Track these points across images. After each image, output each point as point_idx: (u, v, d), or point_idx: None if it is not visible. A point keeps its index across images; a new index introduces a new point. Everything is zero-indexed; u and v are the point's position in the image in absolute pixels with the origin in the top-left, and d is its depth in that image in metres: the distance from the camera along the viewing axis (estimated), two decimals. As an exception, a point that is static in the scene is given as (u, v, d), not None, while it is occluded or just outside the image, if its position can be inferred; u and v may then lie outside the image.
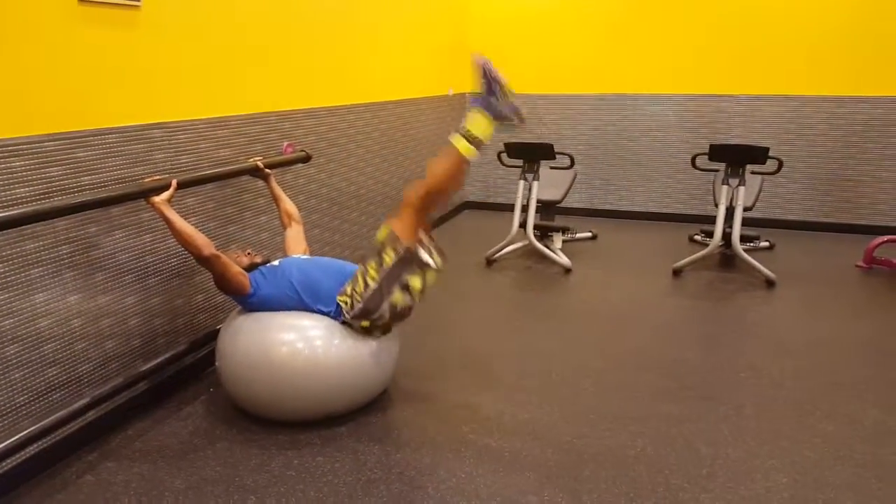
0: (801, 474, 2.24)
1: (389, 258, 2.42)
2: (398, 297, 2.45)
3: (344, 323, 2.51)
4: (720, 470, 2.27)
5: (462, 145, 2.40)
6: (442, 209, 2.50)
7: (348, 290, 2.51)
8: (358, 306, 2.47)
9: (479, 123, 2.41)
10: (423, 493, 2.14)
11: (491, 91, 2.39)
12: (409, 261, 2.43)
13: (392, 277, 2.43)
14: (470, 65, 2.48)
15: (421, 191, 2.44)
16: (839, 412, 2.65)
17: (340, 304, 2.50)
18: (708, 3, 5.46)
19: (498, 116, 2.41)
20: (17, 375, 2.11)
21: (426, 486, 2.18)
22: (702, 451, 2.37)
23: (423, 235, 2.47)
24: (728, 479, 2.21)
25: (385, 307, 2.46)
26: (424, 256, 2.44)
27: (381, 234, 2.48)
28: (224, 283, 2.51)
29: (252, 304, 2.56)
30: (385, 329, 2.58)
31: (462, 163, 2.42)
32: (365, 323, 2.49)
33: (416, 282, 2.46)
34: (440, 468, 2.27)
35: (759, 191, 4.69)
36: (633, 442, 2.43)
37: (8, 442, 2.05)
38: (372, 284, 2.44)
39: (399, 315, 2.52)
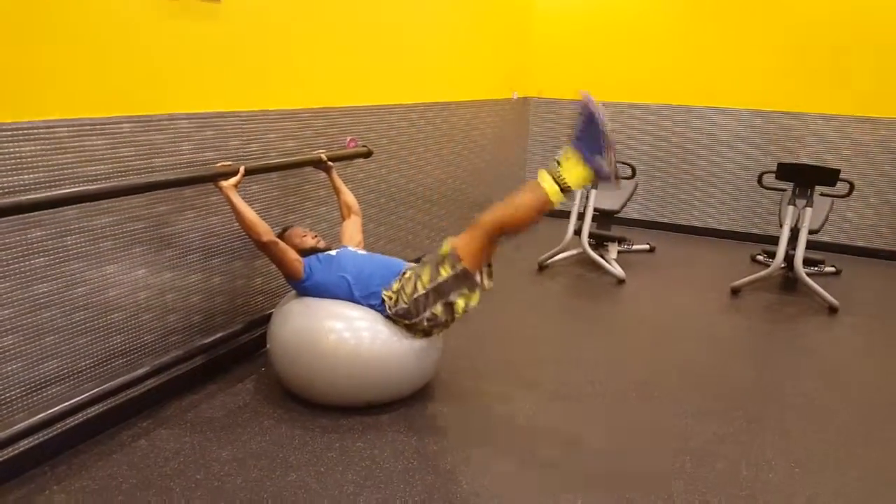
0: (844, 502, 2.18)
1: (445, 272, 2.45)
2: (439, 310, 2.50)
3: (388, 317, 2.58)
4: (760, 493, 2.22)
5: (551, 188, 2.31)
6: (510, 240, 2.46)
7: (395, 287, 2.57)
8: (401, 306, 2.52)
9: (575, 172, 2.27)
10: (457, 487, 2.17)
11: (593, 139, 2.23)
12: (462, 281, 2.45)
13: (440, 291, 2.47)
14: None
15: (496, 220, 2.39)
16: (891, 445, 2.55)
17: (385, 298, 2.57)
18: (782, 18, 5.30)
19: (599, 174, 2.26)
20: (82, 341, 2.26)
21: (461, 480, 2.21)
22: (743, 473, 2.33)
23: (484, 261, 2.48)
24: (768, 502, 2.16)
25: (425, 315, 2.51)
26: (478, 278, 2.46)
27: (445, 248, 2.49)
28: (280, 267, 2.62)
29: (304, 288, 2.65)
30: (425, 333, 2.61)
31: (546, 205, 2.33)
32: (405, 322, 2.55)
33: (461, 301, 2.49)
34: (476, 465, 2.30)
35: (828, 214, 4.53)
36: (674, 458, 2.40)
37: (71, 402, 2.20)
38: (420, 291, 2.49)
39: (437, 325, 2.56)
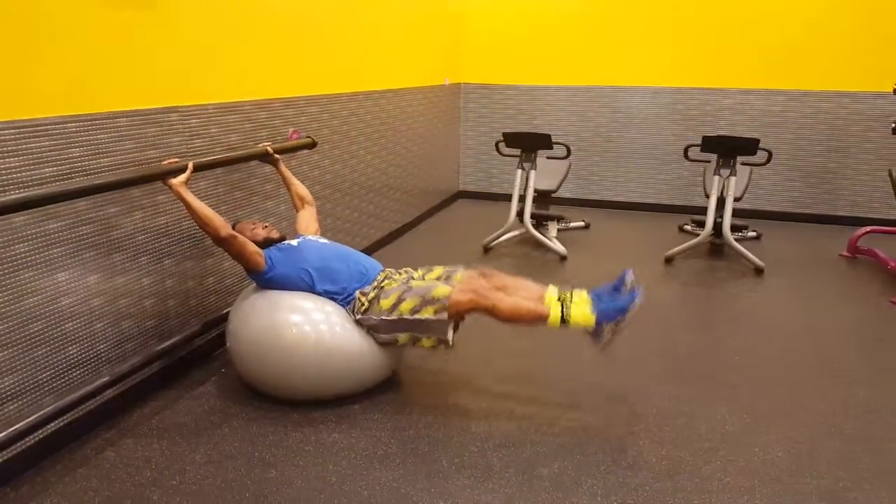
0: (796, 447, 2.36)
1: (427, 313, 2.45)
2: (404, 338, 2.52)
3: (348, 313, 2.58)
4: (720, 444, 2.37)
5: (555, 315, 2.41)
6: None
7: (371, 294, 2.55)
8: (371, 317, 2.52)
9: (583, 313, 2.39)
10: (438, 466, 2.21)
11: (616, 309, 2.39)
12: (435, 329, 2.47)
13: (413, 327, 2.48)
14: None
15: (495, 303, 2.44)
16: (829, 392, 2.77)
17: (357, 298, 2.56)
18: (695, 1, 5.59)
19: (597, 332, 2.40)
20: (40, 353, 2.15)
21: (440, 458, 2.25)
22: (702, 427, 2.48)
23: (460, 318, 2.53)
24: (727, 453, 2.32)
25: (387, 337, 2.53)
26: (448, 335, 2.48)
27: (441, 291, 2.47)
28: (241, 261, 2.57)
29: (266, 281, 2.61)
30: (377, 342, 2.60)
31: (540, 323, 2.43)
32: (365, 329, 2.56)
33: (426, 343, 2.51)
34: (452, 442, 2.35)
35: (748, 182, 4.82)
36: (637, 419, 2.53)
37: (32, 418, 2.09)
38: (395, 315, 2.48)
39: (392, 346, 2.59)
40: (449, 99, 5.99)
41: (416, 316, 2.46)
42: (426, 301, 2.46)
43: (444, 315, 2.44)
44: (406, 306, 2.47)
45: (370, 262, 2.75)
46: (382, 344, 2.57)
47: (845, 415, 2.58)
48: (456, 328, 2.55)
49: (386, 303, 2.50)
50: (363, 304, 2.54)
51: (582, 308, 2.42)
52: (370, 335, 2.56)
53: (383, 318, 2.50)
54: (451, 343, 2.50)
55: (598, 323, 2.39)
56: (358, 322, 2.55)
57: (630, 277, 2.51)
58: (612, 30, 5.81)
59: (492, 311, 2.46)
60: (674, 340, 3.27)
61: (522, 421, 2.50)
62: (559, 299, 2.47)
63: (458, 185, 6.49)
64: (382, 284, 2.59)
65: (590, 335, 2.44)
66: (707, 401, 2.67)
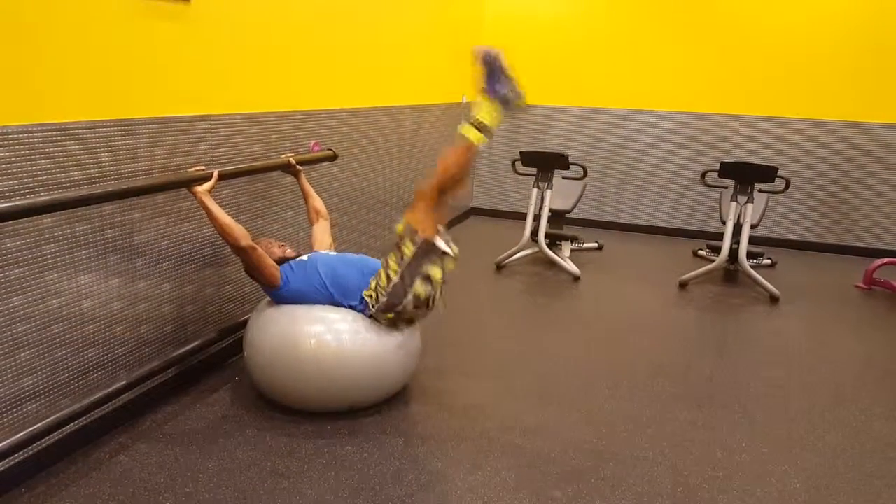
0: (814, 480, 2.33)
1: (409, 250, 2.50)
2: (420, 287, 2.51)
3: (370, 316, 2.57)
4: (736, 473, 2.35)
5: (472, 134, 2.49)
6: (454, 200, 2.58)
7: (372, 284, 2.57)
8: (382, 300, 2.53)
9: (486, 110, 2.49)
10: (451, 484, 2.20)
11: (493, 77, 2.48)
12: (428, 251, 2.50)
13: (413, 269, 2.50)
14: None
15: (434, 181, 2.52)
16: (846, 424, 2.74)
17: (366, 298, 2.57)
18: (717, 27, 5.59)
19: (502, 100, 2.49)
20: (59, 354, 2.16)
21: (453, 477, 2.24)
22: (718, 455, 2.46)
23: (439, 225, 2.55)
24: (744, 482, 2.29)
25: (408, 299, 2.51)
26: (442, 245, 2.51)
27: (400, 227, 2.55)
28: (257, 273, 2.58)
29: (281, 296, 2.61)
30: (409, 321, 2.64)
31: (471, 150, 2.51)
32: (389, 315, 2.55)
33: (436, 272, 2.52)
34: (465, 461, 2.34)
35: (765, 209, 4.81)
36: (652, 444, 2.51)
37: (49, 419, 2.10)
38: (394, 278, 2.51)
39: (422, 305, 2.57)
40: (465, 116, 6.01)
41: (405, 260, 2.50)
42: (399, 244, 2.51)
43: (419, 237, 2.48)
44: (393, 265, 2.52)
45: (376, 263, 2.74)
46: (411, 316, 2.57)
47: (863, 448, 2.55)
48: (442, 232, 2.58)
49: (382, 280, 2.54)
50: (372, 297, 2.56)
51: (483, 108, 2.49)
52: (395, 322, 2.57)
53: (389, 289, 2.51)
54: (452, 251, 2.54)
55: (499, 98, 2.47)
56: (376, 316, 2.55)
57: (481, 50, 2.54)
58: (629, 54, 5.83)
59: (441, 187, 2.50)
60: (688, 366, 3.25)
61: (537, 442, 2.49)
62: (471, 124, 2.53)
63: (470, 202, 6.50)
64: (378, 276, 2.61)
65: (503, 109, 2.50)
66: (723, 428, 2.65)
